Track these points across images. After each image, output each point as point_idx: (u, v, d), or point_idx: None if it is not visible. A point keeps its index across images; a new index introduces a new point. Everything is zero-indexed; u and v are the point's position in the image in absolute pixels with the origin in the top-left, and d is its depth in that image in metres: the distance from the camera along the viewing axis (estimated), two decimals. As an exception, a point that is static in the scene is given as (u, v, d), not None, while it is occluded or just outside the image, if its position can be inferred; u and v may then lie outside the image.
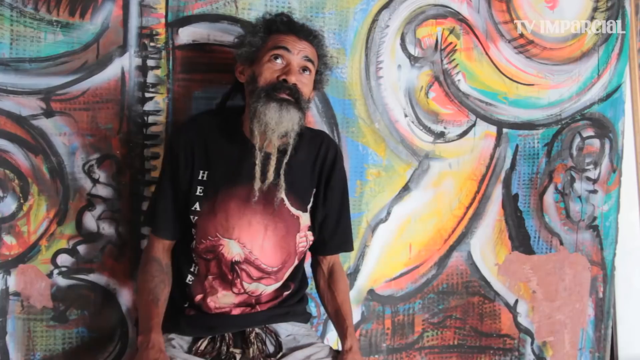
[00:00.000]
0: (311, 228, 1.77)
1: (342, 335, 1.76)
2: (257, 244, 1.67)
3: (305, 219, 1.73)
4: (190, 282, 1.72)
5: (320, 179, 1.76)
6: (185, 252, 1.72)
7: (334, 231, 1.80)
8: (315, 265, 1.88)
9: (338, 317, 1.79)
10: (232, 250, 1.67)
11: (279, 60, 1.64)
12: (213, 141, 1.69)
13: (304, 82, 1.66)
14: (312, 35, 1.70)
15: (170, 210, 1.70)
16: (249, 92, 1.68)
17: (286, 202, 1.68)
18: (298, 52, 1.64)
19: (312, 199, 1.75)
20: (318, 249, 1.83)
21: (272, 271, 1.71)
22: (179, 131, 1.74)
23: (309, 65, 1.67)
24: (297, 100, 1.62)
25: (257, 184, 1.62)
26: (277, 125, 1.59)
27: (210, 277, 1.69)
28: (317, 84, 1.75)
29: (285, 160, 1.64)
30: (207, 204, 1.67)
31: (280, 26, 1.67)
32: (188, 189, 1.68)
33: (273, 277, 1.72)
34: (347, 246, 1.86)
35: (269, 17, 1.72)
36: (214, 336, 1.69)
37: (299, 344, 1.72)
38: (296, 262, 1.76)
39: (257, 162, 1.61)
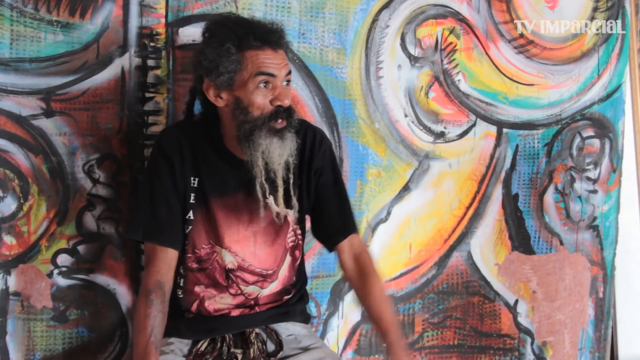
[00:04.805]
0: (299, 221, 1.74)
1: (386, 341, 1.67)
2: (249, 251, 1.68)
3: (291, 214, 1.70)
4: (182, 296, 1.70)
5: (302, 167, 1.70)
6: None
7: (335, 214, 1.73)
8: (339, 258, 1.76)
9: (379, 327, 1.68)
10: (225, 258, 1.67)
11: (268, 85, 1.56)
12: (199, 149, 1.65)
13: (290, 93, 1.60)
14: (281, 38, 1.59)
15: (173, 216, 1.63)
16: (239, 121, 1.58)
17: (272, 204, 1.65)
18: (280, 70, 1.56)
19: (297, 191, 1.69)
20: (327, 240, 1.76)
21: (267, 274, 1.70)
22: (167, 134, 1.70)
23: (290, 76, 1.61)
24: (291, 121, 1.59)
25: (281, 210, 1.63)
26: (280, 157, 1.57)
27: (203, 286, 1.69)
28: None
29: (292, 182, 1.63)
30: (200, 212, 1.65)
31: (253, 42, 1.54)
32: (183, 196, 1.64)
33: (269, 279, 1.71)
34: (352, 228, 1.75)
35: (233, 33, 1.55)
36: (214, 337, 1.69)
37: (301, 344, 1.72)
38: (288, 258, 1.74)
39: (260, 194, 1.60)
